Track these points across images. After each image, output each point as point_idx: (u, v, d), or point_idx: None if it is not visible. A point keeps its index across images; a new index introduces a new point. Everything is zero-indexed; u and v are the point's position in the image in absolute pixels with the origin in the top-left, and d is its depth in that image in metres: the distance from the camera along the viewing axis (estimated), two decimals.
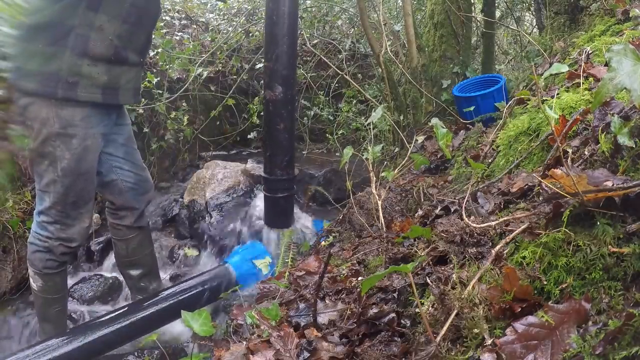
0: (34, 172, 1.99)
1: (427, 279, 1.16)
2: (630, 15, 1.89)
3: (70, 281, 2.64)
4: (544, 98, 1.65)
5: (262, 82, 4.08)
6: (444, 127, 1.73)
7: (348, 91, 4.11)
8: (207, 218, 2.95)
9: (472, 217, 1.31)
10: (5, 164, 2.53)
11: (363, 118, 3.79)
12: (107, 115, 2.06)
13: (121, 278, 2.56)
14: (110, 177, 2.18)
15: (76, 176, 1.96)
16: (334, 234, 2.04)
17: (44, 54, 1.82)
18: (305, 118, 4.07)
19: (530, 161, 1.49)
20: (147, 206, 2.38)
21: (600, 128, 1.16)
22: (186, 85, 3.52)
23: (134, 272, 2.39)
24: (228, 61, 4.04)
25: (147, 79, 3.35)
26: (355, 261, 1.58)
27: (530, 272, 0.96)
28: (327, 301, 1.32)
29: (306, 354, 1.09)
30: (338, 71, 3.55)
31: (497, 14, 4.02)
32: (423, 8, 3.81)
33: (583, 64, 1.69)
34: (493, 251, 1.08)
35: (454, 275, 1.07)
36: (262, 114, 3.97)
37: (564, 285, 0.91)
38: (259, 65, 4.00)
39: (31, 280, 2.09)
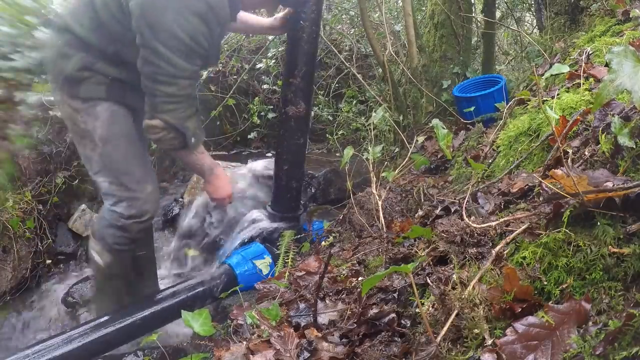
0: (84, 163, 1.99)
1: (428, 279, 1.16)
2: (631, 16, 1.89)
3: (70, 281, 2.65)
4: (545, 98, 1.65)
5: (262, 81, 4.09)
6: (445, 128, 1.74)
7: (348, 91, 4.11)
8: (207, 218, 2.95)
9: (473, 218, 1.31)
10: (5, 164, 2.53)
11: (363, 118, 3.78)
12: (128, 91, 1.97)
13: None
14: None
15: (115, 139, 1.92)
16: (334, 234, 2.04)
17: None
18: None
19: (530, 161, 1.49)
20: None
21: (601, 128, 1.16)
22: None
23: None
24: (228, 61, 4.03)
25: None
26: (355, 261, 1.58)
27: (531, 273, 0.97)
28: (327, 301, 1.32)
29: (306, 354, 1.09)
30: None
31: (498, 14, 4.02)
32: (423, 8, 3.81)
33: (583, 64, 1.69)
34: (493, 251, 1.08)
35: (454, 276, 1.07)
36: (262, 113, 4.00)
37: (564, 286, 0.91)
38: (259, 65, 4.00)
39: (96, 255, 2.05)
